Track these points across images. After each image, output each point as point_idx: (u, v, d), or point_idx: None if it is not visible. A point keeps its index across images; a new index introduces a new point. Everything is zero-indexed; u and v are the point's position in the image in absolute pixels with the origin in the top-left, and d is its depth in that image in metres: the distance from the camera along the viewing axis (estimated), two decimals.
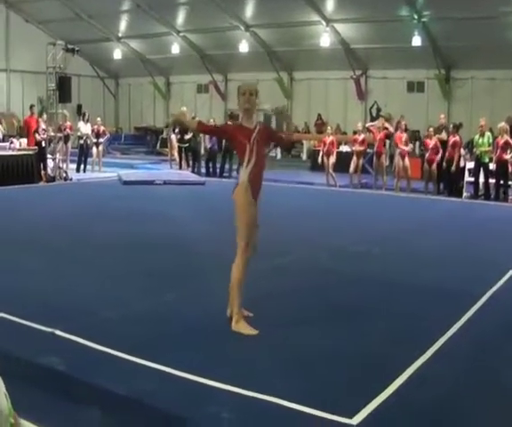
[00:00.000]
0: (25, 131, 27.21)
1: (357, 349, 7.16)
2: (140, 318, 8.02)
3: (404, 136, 23.12)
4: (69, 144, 27.04)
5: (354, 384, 6.23)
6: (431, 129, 23.18)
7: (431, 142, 22.51)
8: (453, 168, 22.06)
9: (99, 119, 29.54)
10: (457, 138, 22.30)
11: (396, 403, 5.81)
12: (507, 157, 20.92)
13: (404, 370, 6.43)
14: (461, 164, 22.63)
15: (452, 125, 23.42)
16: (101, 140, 28.66)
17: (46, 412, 5.42)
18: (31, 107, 25.65)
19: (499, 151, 20.95)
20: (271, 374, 6.37)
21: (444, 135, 23.07)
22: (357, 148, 24.44)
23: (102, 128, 29.00)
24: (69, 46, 24.86)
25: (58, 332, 7.25)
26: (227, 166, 26.82)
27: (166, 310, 8.41)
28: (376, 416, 5.52)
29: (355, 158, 24.34)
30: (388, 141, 24.81)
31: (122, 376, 6.27)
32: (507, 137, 21.05)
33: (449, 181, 22.86)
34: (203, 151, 28.26)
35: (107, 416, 5.51)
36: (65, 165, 24.88)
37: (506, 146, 20.90)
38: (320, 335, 7.51)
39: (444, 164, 22.23)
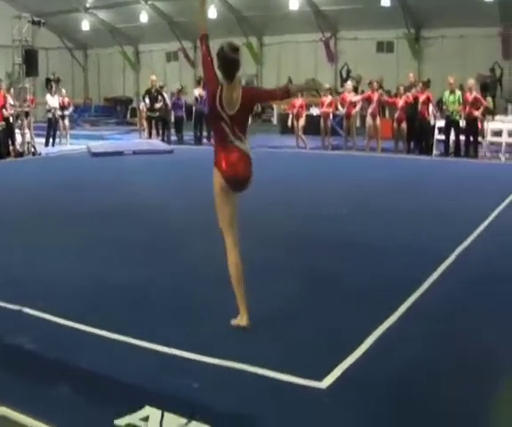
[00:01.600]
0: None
1: (324, 311, 7.15)
2: (110, 291, 7.98)
3: (376, 96, 23.06)
4: (30, 118, 26.57)
5: (322, 348, 6.20)
6: (401, 88, 23.23)
7: (400, 101, 22.54)
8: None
9: (64, 91, 29.18)
10: (429, 94, 22.43)
11: (365, 365, 5.81)
12: (476, 113, 20.98)
13: (372, 331, 6.44)
14: (431, 122, 22.65)
15: (421, 84, 23.44)
16: (66, 112, 28.40)
17: (14, 392, 5.38)
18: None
19: (468, 108, 21.00)
20: (240, 339, 6.38)
21: (413, 92, 23.00)
22: (324, 109, 24.49)
23: (67, 100, 28.71)
24: (35, 19, 24.49)
25: (25, 309, 7.16)
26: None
27: (138, 282, 8.33)
28: (345, 379, 5.52)
29: (322, 120, 24.40)
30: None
31: (92, 351, 6.21)
32: (475, 93, 21.13)
33: (419, 139, 22.87)
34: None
35: (74, 391, 5.45)
36: (33, 140, 24.55)
37: (475, 102, 20.97)
38: (286, 299, 7.47)
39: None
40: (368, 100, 23.34)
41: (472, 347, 6.29)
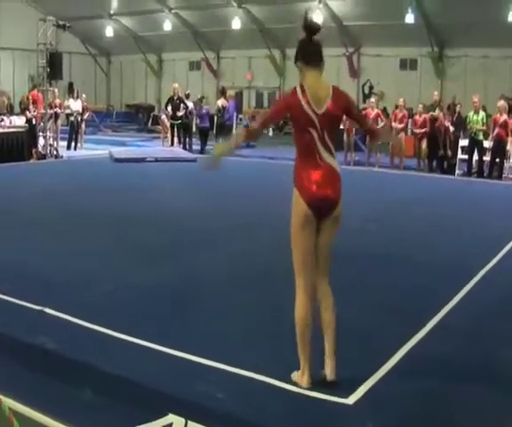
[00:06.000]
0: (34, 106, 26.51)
1: (352, 324, 7.05)
2: (134, 295, 7.95)
3: (400, 115, 23.04)
4: (59, 121, 26.72)
5: (349, 362, 6.10)
6: (420, 106, 23.24)
7: (420, 119, 22.55)
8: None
9: (84, 96, 29.27)
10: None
11: (392, 381, 5.73)
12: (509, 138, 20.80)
13: (399, 347, 6.37)
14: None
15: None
16: (85, 116, 28.66)
17: (34, 391, 5.34)
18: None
19: (497, 129, 20.73)
20: (264, 353, 6.29)
21: (437, 112, 22.95)
22: (347, 125, 24.36)
23: (85, 104, 28.84)
24: (60, 22, 24.56)
25: (47, 310, 7.14)
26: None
27: (163, 287, 8.32)
28: (373, 395, 5.44)
29: (345, 135, 24.34)
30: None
31: (115, 355, 6.18)
32: (505, 116, 20.89)
33: (441, 158, 22.78)
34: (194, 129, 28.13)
35: (97, 395, 5.39)
36: (55, 143, 24.64)
37: (505, 125, 20.68)
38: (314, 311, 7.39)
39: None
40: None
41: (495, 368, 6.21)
